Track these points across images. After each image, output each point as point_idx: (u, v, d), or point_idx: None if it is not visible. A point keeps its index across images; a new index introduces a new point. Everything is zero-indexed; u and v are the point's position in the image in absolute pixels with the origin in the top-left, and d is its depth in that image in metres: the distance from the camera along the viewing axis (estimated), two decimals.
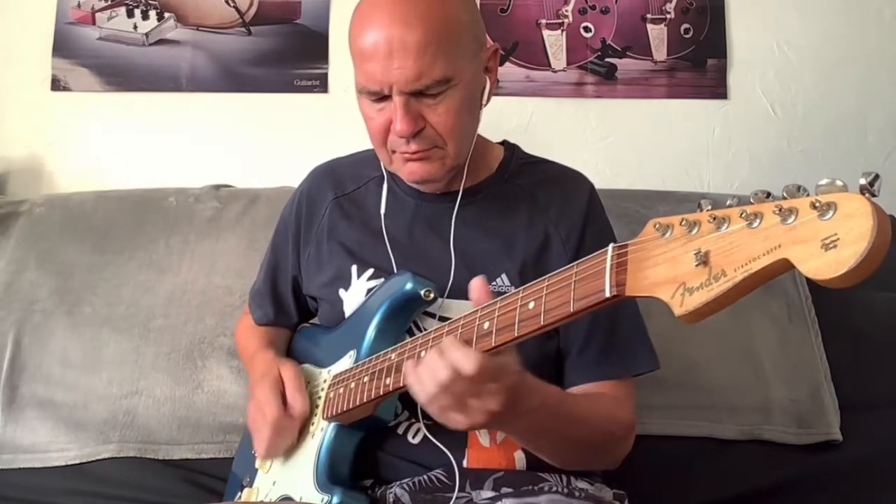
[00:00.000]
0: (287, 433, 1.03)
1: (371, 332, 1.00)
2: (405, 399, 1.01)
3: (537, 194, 1.08)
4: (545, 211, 1.07)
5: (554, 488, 0.96)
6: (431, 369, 0.77)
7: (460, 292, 0.99)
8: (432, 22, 0.93)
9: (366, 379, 0.94)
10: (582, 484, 1.00)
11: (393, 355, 0.91)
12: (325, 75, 1.91)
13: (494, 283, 1.02)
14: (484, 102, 1.05)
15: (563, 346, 1.04)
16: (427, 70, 0.93)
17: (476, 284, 0.84)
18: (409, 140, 0.97)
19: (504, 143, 1.16)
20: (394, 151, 1.01)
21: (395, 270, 1.04)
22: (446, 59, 0.94)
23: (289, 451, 1.06)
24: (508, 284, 1.01)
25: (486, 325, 0.78)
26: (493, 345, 0.77)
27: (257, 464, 1.12)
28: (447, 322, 0.84)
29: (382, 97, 0.97)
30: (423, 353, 0.83)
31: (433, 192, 1.09)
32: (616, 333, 1.03)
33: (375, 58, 0.94)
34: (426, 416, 1.01)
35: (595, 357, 1.02)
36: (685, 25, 1.93)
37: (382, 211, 1.10)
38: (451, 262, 1.03)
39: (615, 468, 1.04)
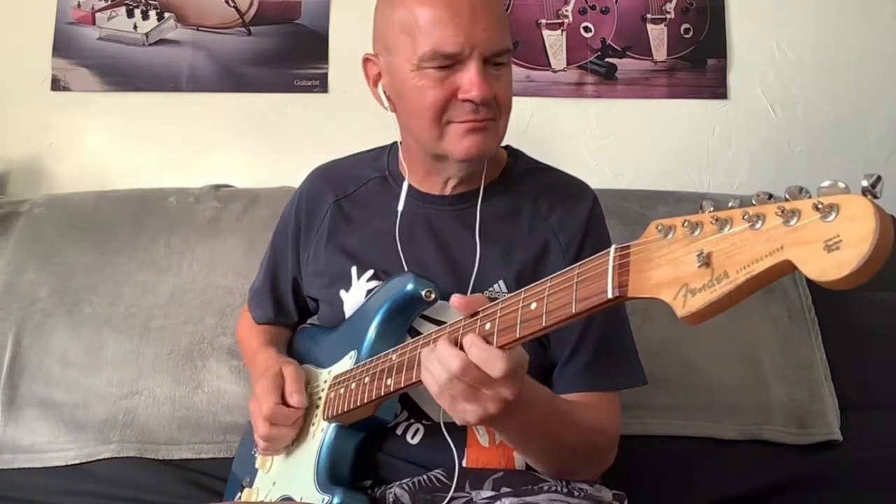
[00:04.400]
0: (283, 427, 1.03)
1: (371, 332, 1.00)
2: (404, 400, 1.01)
3: (539, 202, 1.08)
4: (546, 219, 1.07)
5: (553, 488, 0.96)
6: (445, 357, 0.77)
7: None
8: None
9: (366, 380, 0.94)
10: (581, 484, 1.00)
11: (394, 356, 0.91)
12: (325, 75, 1.91)
13: (491, 288, 1.02)
14: None
15: (552, 355, 1.04)
16: (501, 38, 0.98)
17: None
18: (480, 107, 0.97)
19: (508, 148, 1.16)
20: (449, 122, 0.99)
21: (406, 269, 1.04)
22: (508, 32, 1.00)
23: (289, 452, 1.06)
24: (505, 291, 1.01)
25: (488, 325, 0.77)
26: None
27: (257, 464, 1.12)
28: (449, 323, 0.84)
29: (447, 66, 0.96)
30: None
31: (442, 195, 1.08)
32: (605, 346, 1.02)
33: (457, 20, 0.94)
34: (425, 417, 1.01)
35: (582, 368, 1.02)
36: (685, 25, 1.93)
37: (399, 208, 1.10)
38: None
39: (594, 478, 1.04)
